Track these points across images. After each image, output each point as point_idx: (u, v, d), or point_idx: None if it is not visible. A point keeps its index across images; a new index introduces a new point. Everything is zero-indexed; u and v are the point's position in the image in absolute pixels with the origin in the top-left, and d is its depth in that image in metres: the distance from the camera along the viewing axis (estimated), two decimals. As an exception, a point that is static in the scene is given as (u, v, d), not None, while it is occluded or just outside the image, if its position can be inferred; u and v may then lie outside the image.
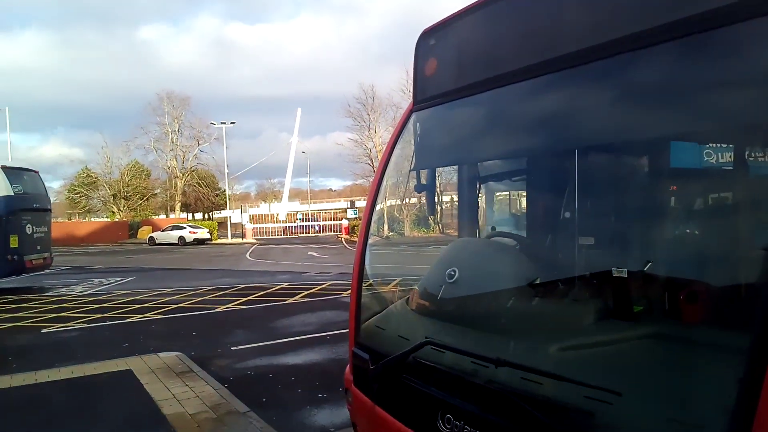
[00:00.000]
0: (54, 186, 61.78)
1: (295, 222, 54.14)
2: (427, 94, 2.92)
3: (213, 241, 43.18)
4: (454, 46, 2.73)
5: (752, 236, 2.06)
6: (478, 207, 3.79)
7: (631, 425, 1.66)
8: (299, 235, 50.79)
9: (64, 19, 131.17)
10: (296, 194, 77.29)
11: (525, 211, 3.45)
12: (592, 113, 2.24)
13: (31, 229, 16.02)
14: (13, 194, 15.19)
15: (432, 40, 2.83)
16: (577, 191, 2.74)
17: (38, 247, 16.43)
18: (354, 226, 36.22)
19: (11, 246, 15.01)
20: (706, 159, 2.73)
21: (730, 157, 2.65)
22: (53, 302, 13.39)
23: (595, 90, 2.21)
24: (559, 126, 2.33)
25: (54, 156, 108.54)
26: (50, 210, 18.00)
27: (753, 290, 1.63)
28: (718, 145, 2.73)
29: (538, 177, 3.32)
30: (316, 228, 53.13)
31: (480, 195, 3.59)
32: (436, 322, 2.70)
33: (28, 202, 16.02)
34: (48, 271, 17.89)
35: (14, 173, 15.90)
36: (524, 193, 3.73)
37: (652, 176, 2.79)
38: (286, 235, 50.77)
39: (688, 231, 2.70)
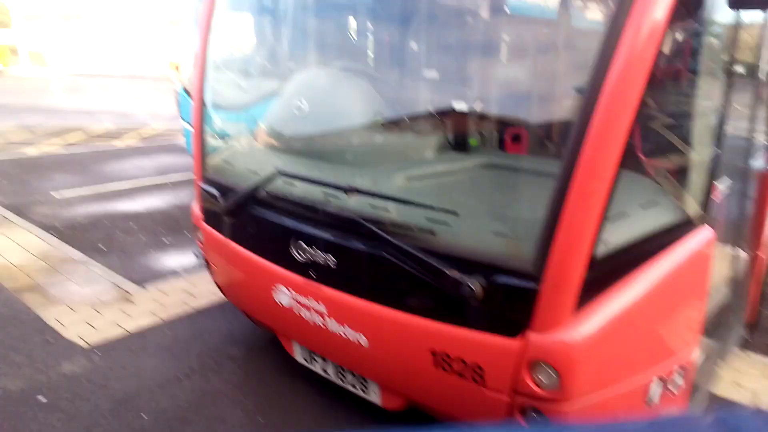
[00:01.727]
0: None
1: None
2: None
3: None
4: None
5: (569, 84, 2.33)
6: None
7: (465, 241, 1.93)
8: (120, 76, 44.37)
9: None
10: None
11: (372, 43, 3.42)
12: None
13: None
14: None
15: None
16: (422, 25, 2.77)
17: None
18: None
19: None
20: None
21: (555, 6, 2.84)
22: None
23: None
24: None
25: None
26: None
27: (565, 129, 1.91)
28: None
29: (382, 5, 3.27)
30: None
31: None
32: (286, 156, 2.73)
33: None
34: None
35: None
36: (368, 24, 3.67)
37: (492, 23, 2.89)
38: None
39: (517, 76, 2.94)
